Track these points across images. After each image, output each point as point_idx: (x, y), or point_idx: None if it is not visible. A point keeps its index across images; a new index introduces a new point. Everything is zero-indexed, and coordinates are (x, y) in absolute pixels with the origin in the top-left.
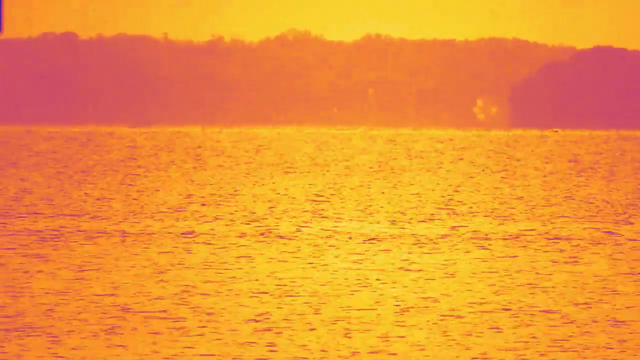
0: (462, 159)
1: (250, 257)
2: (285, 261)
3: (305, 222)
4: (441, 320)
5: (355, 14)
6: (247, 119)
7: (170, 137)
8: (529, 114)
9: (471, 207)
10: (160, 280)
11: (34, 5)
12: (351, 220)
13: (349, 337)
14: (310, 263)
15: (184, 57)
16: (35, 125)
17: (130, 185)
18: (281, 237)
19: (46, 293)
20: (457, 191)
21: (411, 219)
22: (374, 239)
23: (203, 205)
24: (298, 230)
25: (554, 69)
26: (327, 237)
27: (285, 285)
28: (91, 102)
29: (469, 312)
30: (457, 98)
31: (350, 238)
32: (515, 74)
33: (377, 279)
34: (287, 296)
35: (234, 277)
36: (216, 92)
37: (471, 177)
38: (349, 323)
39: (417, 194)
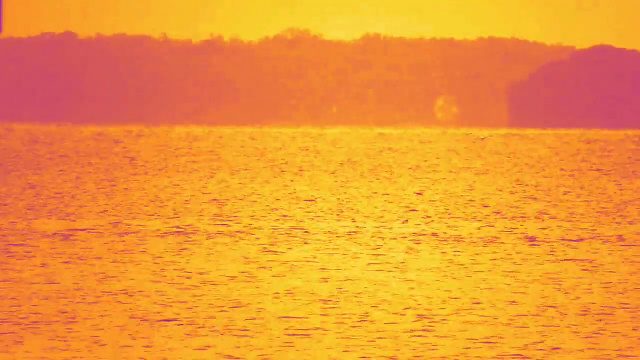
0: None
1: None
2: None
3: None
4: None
5: (355, 14)
6: (247, 119)
7: (176, 137)
8: (529, 113)
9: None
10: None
11: (34, 5)
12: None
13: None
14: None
15: (183, 57)
16: (35, 125)
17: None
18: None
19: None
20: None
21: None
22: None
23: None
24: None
25: (554, 69)
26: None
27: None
28: (91, 101)
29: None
30: (455, 98)
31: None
32: (514, 74)
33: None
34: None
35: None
36: (216, 92)
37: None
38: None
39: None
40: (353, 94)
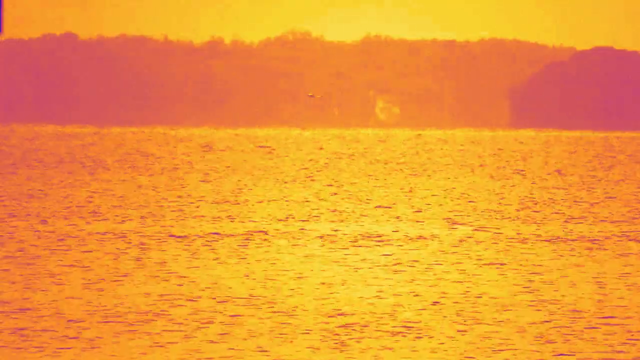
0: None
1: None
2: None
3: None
4: None
5: (355, 14)
6: (247, 119)
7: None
8: (529, 114)
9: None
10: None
11: (34, 6)
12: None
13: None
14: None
15: (184, 58)
16: (36, 125)
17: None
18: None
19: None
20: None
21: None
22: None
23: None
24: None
25: (555, 70)
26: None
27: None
28: (91, 102)
29: None
30: (456, 99)
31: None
32: (516, 75)
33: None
34: None
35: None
36: (216, 93)
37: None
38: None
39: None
40: (353, 94)
